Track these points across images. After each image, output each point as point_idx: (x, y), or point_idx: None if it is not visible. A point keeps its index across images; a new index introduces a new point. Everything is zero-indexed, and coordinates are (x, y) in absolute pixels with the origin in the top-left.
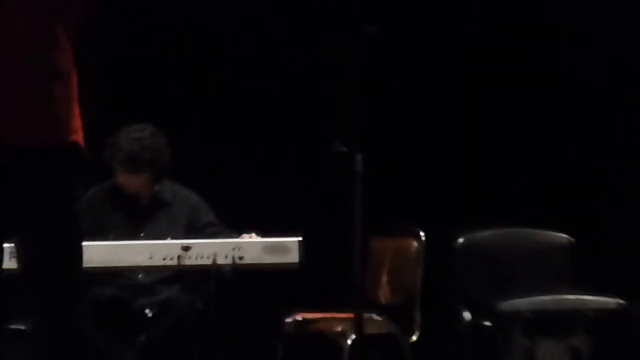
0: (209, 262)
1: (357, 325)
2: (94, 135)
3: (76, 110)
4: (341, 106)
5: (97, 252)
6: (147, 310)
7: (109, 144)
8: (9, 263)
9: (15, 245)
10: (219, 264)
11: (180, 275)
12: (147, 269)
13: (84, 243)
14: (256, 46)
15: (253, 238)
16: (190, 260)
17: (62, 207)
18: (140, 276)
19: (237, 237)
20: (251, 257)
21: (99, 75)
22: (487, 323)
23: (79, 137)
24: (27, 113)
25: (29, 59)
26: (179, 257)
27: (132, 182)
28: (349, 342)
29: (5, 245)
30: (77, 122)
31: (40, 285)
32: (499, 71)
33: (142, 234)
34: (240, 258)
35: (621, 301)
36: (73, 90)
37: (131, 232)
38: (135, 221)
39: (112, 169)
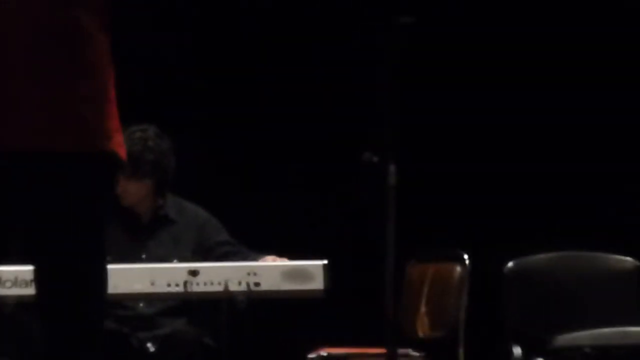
0: (220, 288)
1: None
2: None
3: (111, 112)
4: (372, 111)
5: None
6: (148, 345)
7: None
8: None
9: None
10: (232, 291)
11: (187, 304)
12: (149, 297)
13: None
14: (277, 45)
15: (276, 262)
16: (199, 286)
17: (81, 225)
18: (141, 305)
19: (256, 260)
20: (269, 284)
21: None
22: None
23: (112, 144)
24: (42, 114)
25: (43, 51)
26: (185, 283)
27: (132, 190)
28: None
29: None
30: (109, 125)
31: (48, 317)
32: (556, 77)
33: (143, 256)
34: (257, 284)
35: None
36: (106, 89)
37: (130, 254)
38: (135, 241)
39: None
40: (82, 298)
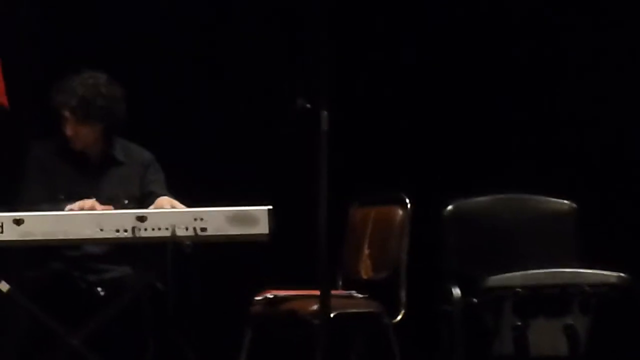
0: (167, 234)
1: (323, 304)
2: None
3: None
4: (306, 57)
5: (40, 224)
6: (98, 289)
7: (59, 89)
8: None
9: None
10: (179, 236)
11: (134, 249)
12: (98, 242)
13: (26, 214)
14: None
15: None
16: (147, 232)
17: None
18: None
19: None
20: (215, 228)
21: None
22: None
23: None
24: None
25: None
26: (133, 228)
27: (82, 134)
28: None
29: None
30: None
31: None
32: (490, 19)
33: (93, 198)
34: (203, 229)
35: (622, 275)
36: None
37: (81, 194)
38: (86, 182)
39: (59, 119)
40: None
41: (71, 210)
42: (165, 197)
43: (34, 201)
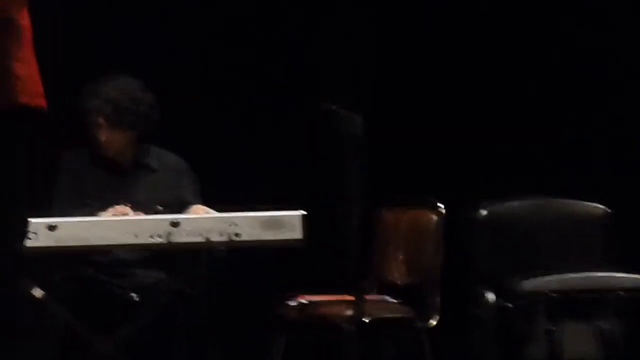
0: (201, 239)
1: (357, 310)
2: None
3: (31, 69)
4: (339, 59)
5: (74, 230)
6: (133, 294)
7: (92, 95)
8: None
9: None
10: (213, 242)
11: (166, 254)
12: (132, 248)
13: (59, 220)
14: None
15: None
16: (180, 237)
17: None
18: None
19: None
20: (249, 234)
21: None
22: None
23: (38, 100)
24: None
25: None
26: (167, 234)
27: (115, 140)
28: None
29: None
30: (32, 85)
31: None
32: (521, 24)
33: (128, 205)
34: (237, 235)
35: None
36: (25, 46)
37: (112, 201)
38: (117, 189)
39: (91, 125)
40: None
41: None
42: (200, 206)
43: (64, 208)
